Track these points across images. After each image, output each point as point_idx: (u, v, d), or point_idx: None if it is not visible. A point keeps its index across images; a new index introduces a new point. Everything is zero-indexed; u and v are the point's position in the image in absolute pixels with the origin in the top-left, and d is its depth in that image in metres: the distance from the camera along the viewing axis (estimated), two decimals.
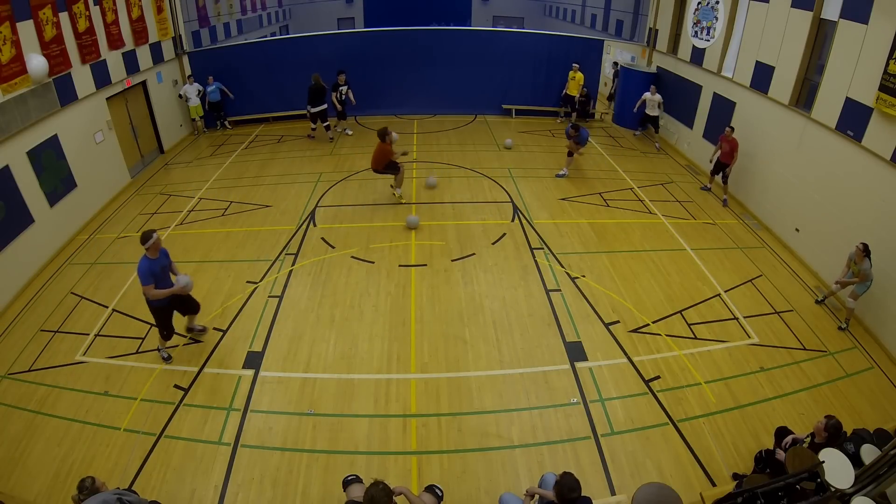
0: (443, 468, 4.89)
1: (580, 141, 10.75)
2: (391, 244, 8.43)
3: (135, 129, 11.35)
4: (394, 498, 3.41)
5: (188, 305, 6.18)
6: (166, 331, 5.93)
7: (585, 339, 6.46)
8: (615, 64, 16.24)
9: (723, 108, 10.54)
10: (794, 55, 8.42)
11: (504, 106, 15.07)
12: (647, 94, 12.55)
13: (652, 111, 12.62)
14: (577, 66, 13.77)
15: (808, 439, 4.41)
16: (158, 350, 6.12)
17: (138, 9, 11.03)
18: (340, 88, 12.37)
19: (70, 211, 8.79)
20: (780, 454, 4.45)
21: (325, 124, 12.65)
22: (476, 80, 14.70)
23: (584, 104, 14.58)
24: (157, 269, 5.56)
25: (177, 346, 6.36)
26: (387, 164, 9.28)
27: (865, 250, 6.43)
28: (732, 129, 9.42)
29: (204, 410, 5.49)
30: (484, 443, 5.14)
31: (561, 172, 11.05)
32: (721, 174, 9.85)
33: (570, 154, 11.02)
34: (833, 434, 4.22)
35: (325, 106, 12.40)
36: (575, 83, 13.85)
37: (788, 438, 4.53)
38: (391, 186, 9.88)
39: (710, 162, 10.19)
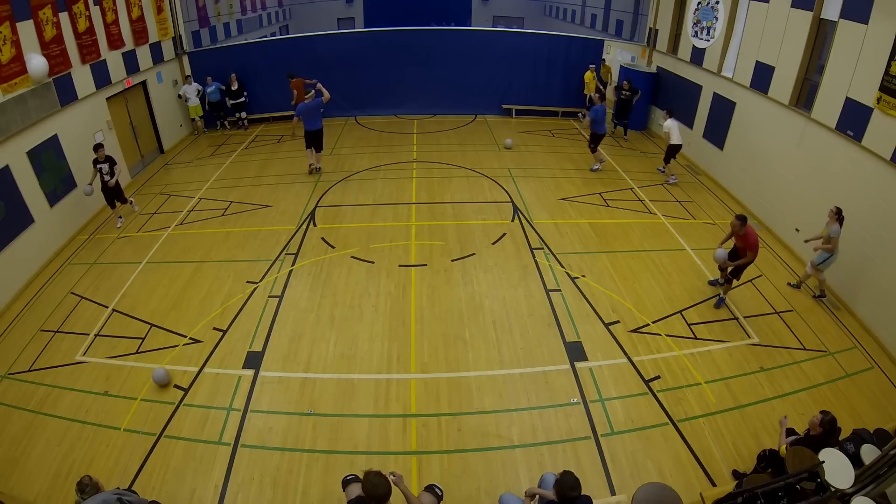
0: (443, 468, 4.89)
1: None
2: (391, 244, 8.43)
3: (135, 129, 11.35)
4: (392, 489, 3.44)
5: None
6: None
7: (585, 339, 6.46)
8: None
9: (723, 108, 10.53)
10: (794, 55, 8.42)
11: (504, 106, 15.07)
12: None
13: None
14: (592, 66, 13.87)
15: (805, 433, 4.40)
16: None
17: (138, 9, 11.03)
18: (100, 166, 8.56)
19: (70, 211, 8.79)
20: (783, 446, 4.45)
21: (242, 117, 13.89)
22: (476, 80, 14.70)
23: (625, 103, 12.89)
24: None
25: (177, 346, 6.36)
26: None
27: (838, 214, 6.62)
28: (743, 220, 6.58)
29: (204, 410, 5.49)
30: (484, 443, 5.13)
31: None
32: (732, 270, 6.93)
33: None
34: (829, 430, 4.21)
35: (242, 100, 13.64)
36: (593, 84, 13.83)
37: (790, 439, 4.53)
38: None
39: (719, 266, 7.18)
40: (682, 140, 10.66)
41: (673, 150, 10.68)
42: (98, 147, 8.66)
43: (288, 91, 13.35)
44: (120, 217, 9.19)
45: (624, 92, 12.83)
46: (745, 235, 6.58)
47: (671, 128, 10.53)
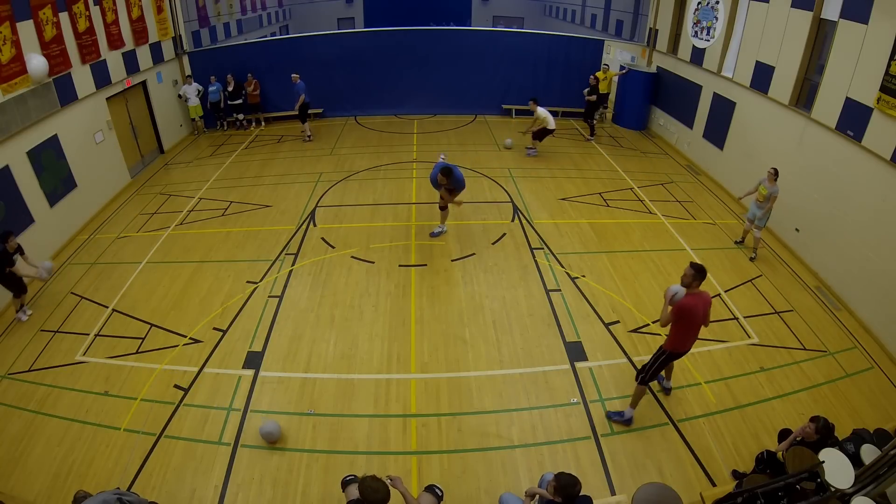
0: (443, 468, 4.89)
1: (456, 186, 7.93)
2: (391, 244, 8.42)
3: (135, 129, 11.35)
4: (390, 493, 3.44)
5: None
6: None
7: (585, 339, 6.46)
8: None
9: (723, 108, 10.54)
10: (794, 55, 8.42)
11: (504, 106, 15.07)
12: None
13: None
14: (605, 66, 13.90)
15: (799, 439, 4.39)
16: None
17: (138, 9, 11.03)
18: (14, 257, 6.66)
19: (70, 211, 8.79)
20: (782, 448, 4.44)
21: (240, 118, 14.02)
22: (476, 80, 14.71)
23: (590, 104, 12.98)
24: None
25: (177, 346, 6.36)
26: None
27: (776, 174, 7.60)
28: (699, 272, 4.57)
29: (204, 410, 5.49)
30: (484, 443, 5.14)
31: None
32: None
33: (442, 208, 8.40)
34: (826, 435, 4.21)
35: (240, 101, 13.72)
36: (605, 83, 13.50)
37: (786, 441, 4.53)
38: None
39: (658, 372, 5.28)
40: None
41: (546, 132, 11.66)
42: (6, 236, 6.48)
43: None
44: (19, 310, 6.83)
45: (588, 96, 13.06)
46: (696, 295, 4.60)
47: (546, 115, 11.44)
